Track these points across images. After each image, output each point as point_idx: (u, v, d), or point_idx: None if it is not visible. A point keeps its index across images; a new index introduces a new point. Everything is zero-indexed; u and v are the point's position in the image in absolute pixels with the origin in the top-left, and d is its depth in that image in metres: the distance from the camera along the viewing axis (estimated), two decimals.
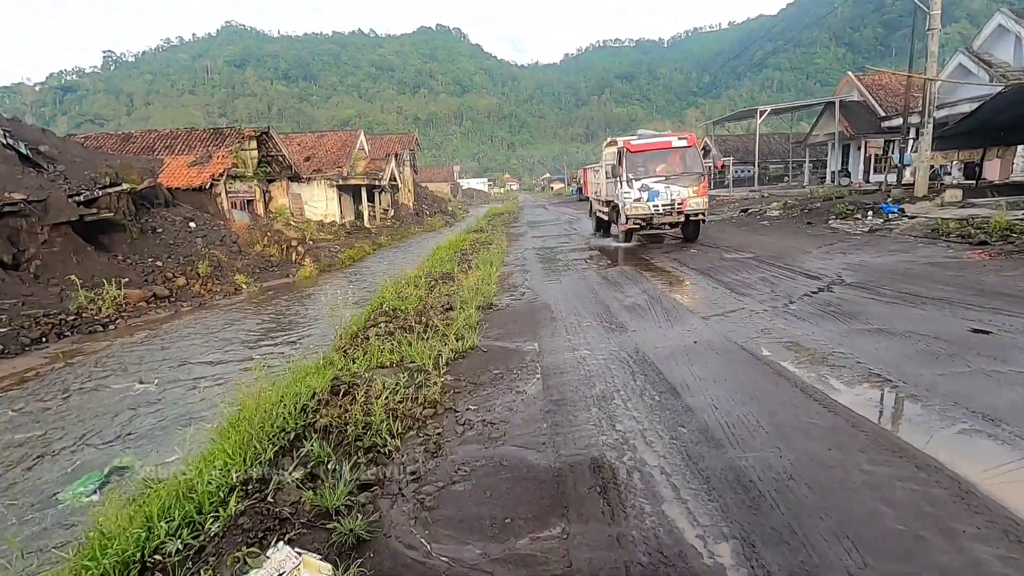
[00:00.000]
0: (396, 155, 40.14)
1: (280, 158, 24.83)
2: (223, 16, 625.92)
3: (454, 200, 67.37)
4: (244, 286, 15.65)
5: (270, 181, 25.43)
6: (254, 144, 23.21)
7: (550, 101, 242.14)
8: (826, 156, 37.09)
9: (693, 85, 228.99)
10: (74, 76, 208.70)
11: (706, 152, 54.53)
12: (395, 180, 37.29)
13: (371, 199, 35.70)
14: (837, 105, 29.41)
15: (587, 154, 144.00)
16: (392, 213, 37.72)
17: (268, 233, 20.36)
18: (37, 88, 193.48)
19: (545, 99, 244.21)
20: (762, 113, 31.24)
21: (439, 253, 14.86)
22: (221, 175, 20.71)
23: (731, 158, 42.57)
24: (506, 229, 22.83)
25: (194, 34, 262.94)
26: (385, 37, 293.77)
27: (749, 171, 39.00)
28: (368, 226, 32.07)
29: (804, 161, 37.24)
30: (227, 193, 21.27)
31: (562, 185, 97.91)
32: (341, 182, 31.18)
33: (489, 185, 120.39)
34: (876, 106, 29.24)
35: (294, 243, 19.48)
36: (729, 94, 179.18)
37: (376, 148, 40.76)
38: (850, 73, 32.35)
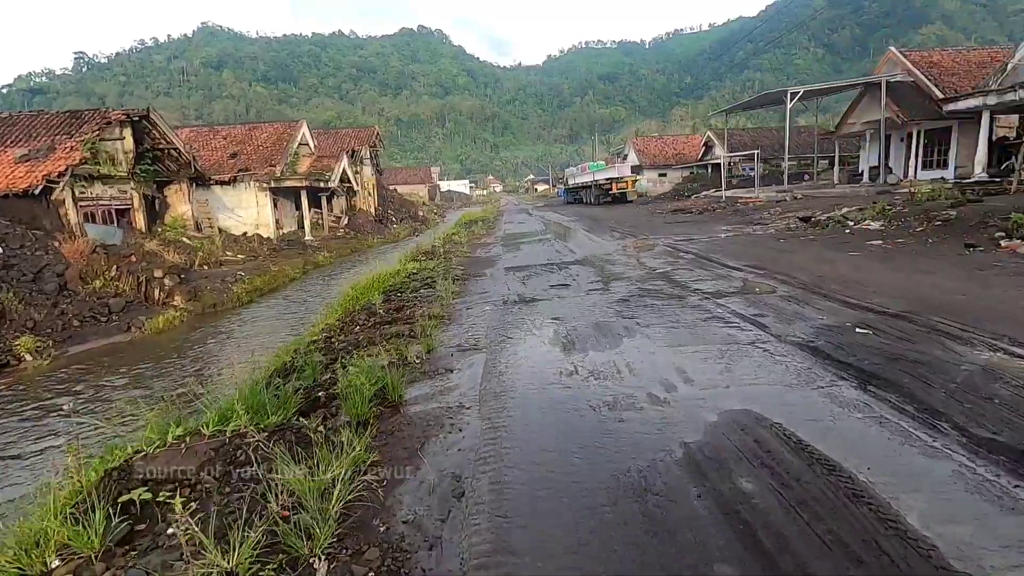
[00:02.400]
0: (352, 152, 33.96)
1: (173, 152, 18.53)
2: (199, 17, 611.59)
3: (429, 204, 61.12)
4: (28, 356, 9.45)
5: (163, 184, 19.17)
6: (127, 132, 16.82)
7: (533, 103, 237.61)
8: (857, 150, 31.77)
9: (675, 86, 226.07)
10: (43, 78, 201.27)
11: (708, 148, 49.09)
12: (348, 181, 31.08)
13: (318, 205, 29.53)
14: (883, 86, 23.83)
15: (571, 155, 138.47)
16: (347, 221, 31.49)
17: (130, 257, 14.10)
18: (4, 90, 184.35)
19: (528, 101, 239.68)
20: (793, 96, 25.28)
21: (325, 320, 8.18)
22: (63, 174, 14.40)
23: (737, 154, 37.29)
24: (471, 249, 15.80)
25: (169, 35, 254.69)
26: (366, 39, 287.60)
27: (753, 169, 33.48)
28: (309, 238, 25.86)
29: (834, 156, 31.97)
30: (76, 200, 14.96)
31: (546, 187, 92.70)
32: (274, 184, 25.00)
33: (471, 187, 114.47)
34: (932, 87, 23.68)
35: (158, 274, 13.22)
36: (711, 95, 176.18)
37: (330, 144, 34.57)
38: (893, 49, 26.75)
